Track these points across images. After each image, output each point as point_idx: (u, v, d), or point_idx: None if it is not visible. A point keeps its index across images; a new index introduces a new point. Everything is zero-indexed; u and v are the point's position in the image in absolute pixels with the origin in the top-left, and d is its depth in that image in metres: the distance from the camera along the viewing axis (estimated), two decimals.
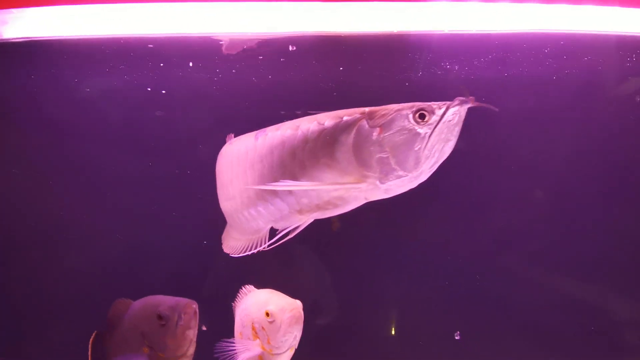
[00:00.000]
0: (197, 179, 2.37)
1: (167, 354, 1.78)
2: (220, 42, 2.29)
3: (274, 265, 2.42)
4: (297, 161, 1.55)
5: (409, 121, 1.41)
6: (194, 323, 1.79)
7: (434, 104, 1.41)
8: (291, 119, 1.66)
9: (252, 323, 1.80)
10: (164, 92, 2.43)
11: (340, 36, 2.30)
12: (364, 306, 2.67)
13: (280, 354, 1.75)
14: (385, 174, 1.44)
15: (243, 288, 1.96)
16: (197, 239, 2.48)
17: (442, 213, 2.59)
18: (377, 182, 1.46)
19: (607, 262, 2.65)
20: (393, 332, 2.67)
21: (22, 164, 2.53)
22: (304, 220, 1.61)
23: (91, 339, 1.91)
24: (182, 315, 1.77)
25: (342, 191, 1.52)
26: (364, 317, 2.68)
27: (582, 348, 2.67)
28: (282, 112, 2.14)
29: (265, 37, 2.31)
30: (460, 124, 1.40)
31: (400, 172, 1.43)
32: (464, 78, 2.45)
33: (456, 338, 2.56)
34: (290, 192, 1.57)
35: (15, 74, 2.43)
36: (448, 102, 1.40)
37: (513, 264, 2.67)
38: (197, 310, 1.80)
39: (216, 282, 2.47)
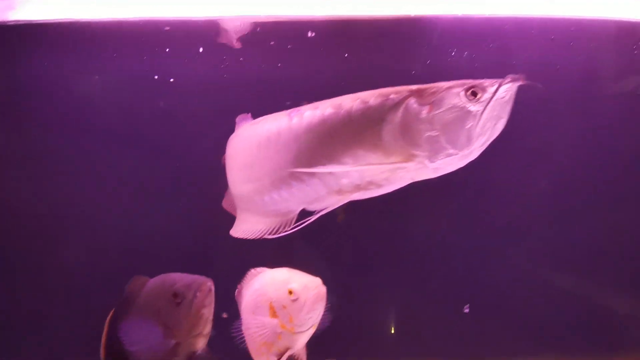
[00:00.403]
0: (204, 168, 2.27)
1: (181, 332, 1.73)
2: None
3: (279, 254, 2.36)
4: (339, 140, 1.51)
5: (461, 99, 1.39)
6: (209, 301, 1.75)
7: (484, 82, 1.40)
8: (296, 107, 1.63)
9: (270, 302, 1.73)
10: (172, 80, 2.40)
11: (346, 20, 2.29)
12: (364, 303, 2.64)
13: (302, 332, 1.70)
14: (435, 152, 1.42)
15: (252, 270, 1.89)
16: (204, 229, 2.45)
17: (447, 207, 2.58)
18: (426, 161, 1.44)
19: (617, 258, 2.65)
20: (393, 331, 2.65)
21: (29, 149, 2.49)
22: (342, 202, 1.56)
23: (109, 316, 1.87)
24: (197, 294, 1.72)
25: (388, 172, 1.48)
26: (365, 314, 2.65)
27: (583, 345, 2.68)
28: (288, 103, 2.09)
29: (261, 21, 2.29)
30: (512, 102, 1.39)
31: (451, 151, 1.41)
32: (473, 64, 2.43)
33: (465, 311, 2.56)
34: (330, 172, 1.52)
35: (22, 58, 2.38)
36: (500, 80, 1.39)
37: (519, 260, 2.65)
38: (213, 288, 1.76)
39: (223, 269, 2.40)
